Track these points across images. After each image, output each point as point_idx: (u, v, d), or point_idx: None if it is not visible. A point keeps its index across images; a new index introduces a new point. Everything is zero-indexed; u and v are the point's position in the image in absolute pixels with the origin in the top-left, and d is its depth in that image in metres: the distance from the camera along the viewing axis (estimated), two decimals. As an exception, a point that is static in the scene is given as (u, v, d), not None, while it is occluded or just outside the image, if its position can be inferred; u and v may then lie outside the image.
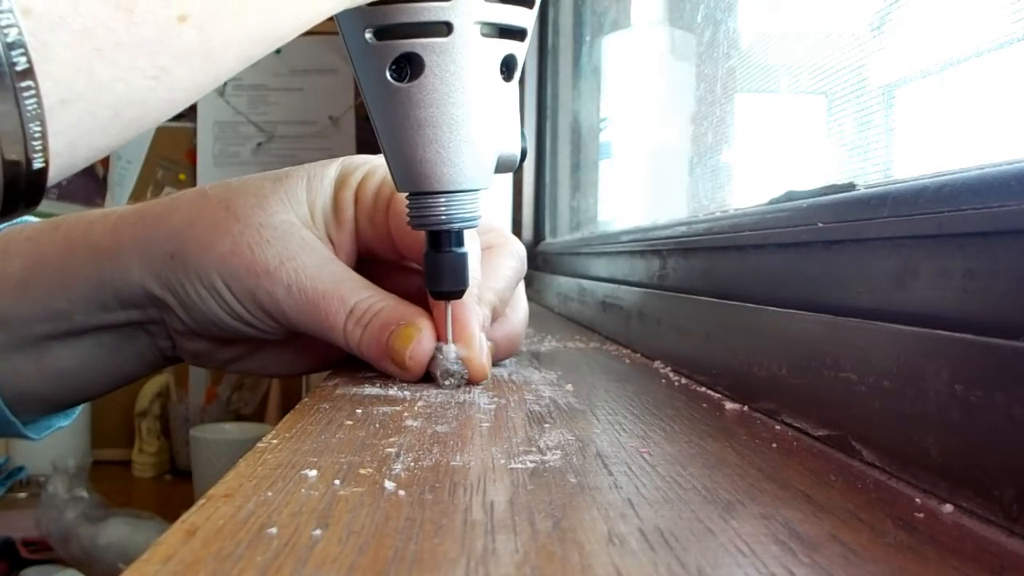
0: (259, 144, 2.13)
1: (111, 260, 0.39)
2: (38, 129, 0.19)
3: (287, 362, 0.44)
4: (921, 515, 0.20)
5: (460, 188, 0.34)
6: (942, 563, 0.17)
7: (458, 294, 0.36)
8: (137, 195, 2.05)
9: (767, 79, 0.59)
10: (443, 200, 0.34)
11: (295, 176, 0.40)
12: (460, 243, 0.35)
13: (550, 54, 1.46)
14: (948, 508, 0.21)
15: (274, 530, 0.18)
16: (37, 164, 0.19)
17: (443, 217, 0.34)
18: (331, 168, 0.41)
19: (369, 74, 0.32)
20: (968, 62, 0.34)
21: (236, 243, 0.37)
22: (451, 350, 0.37)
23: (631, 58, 0.87)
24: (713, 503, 0.21)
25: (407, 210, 0.35)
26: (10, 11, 0.17)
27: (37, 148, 0.19)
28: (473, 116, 0.32)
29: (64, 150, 0.20)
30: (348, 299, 0.37)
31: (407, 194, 0.35)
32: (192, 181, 2.09)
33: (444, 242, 0.35)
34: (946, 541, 0.18)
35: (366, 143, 2.12)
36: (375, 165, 0.41)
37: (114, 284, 0.39)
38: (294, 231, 0.38)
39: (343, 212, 0.40)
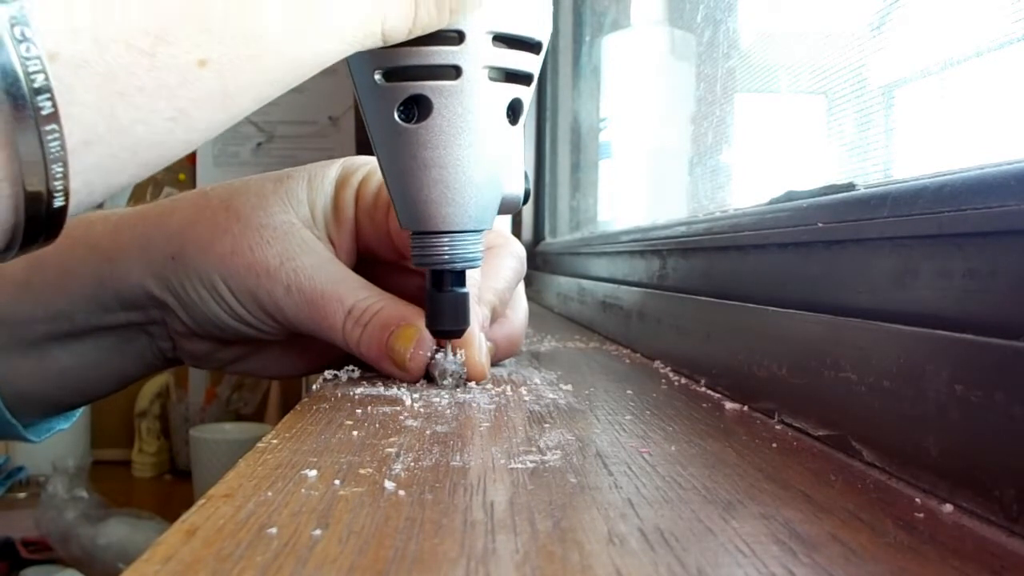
0: (259, 144, 2.13)
1: (111, 261, 0.39)
2: (60, 170, 0.19)
3: (288, 363, 0.44)
4: (921, 515, 0.20)
5: (464, 229, 0.34)
6: (942, 563, 0.17)
7: (458, 333, 0.36)
8: (137, 196, 2.05)
9: (767, 79, 0.59)
10: (446, 240, 0.34)
11: (296, 176, 0.40)
12: (462, 283, 0.35)
13: (550, 54, 1.46)
14: (948, 508, 0.21)
15: (274, 530, 0.18)
16: (58, 203, 0.20)
17: (446, 256, 0.34)
18: (332, 168, 0.41)
19: (377, 114, 0.32)
20: (968, 62, 0.34)
21: (236, 243, 0.37)
22: (450, 350, 0.37)
23: (631, 58, 0.87)
24: (713, 503, 0.21)
25: (410, 248, 0.35)
26: (38, 58, 0.18)
27: (59, 188, 0.19)
28: (479, 158, 0.32)
29: (82, 188, 0.20)
30: (346, 299, 0.37)
31: (411, 233, 0.35)
32: (192, 181, 2.09)
33: (446, 281, 0.35)
34: (946, 541, 0.18)
35: (366, 143, 2.10)
36: (376, 165, 0.41)
37: (115, 285, 0.39)
38: (294, 231, 0.38)
39: (344, 212, 0.40)
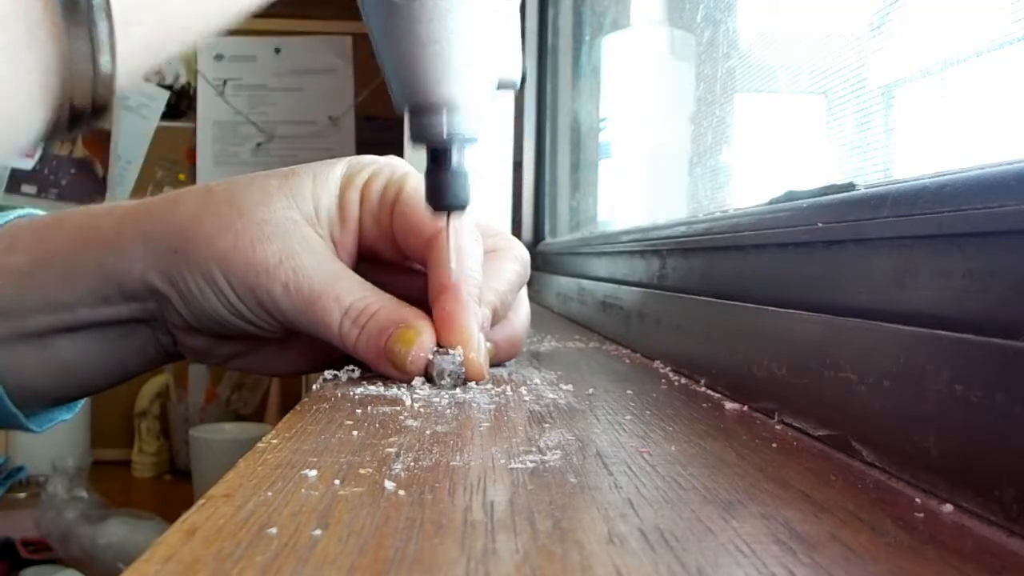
0: (259, 144, 2.13)
1: (115, 254, 0.39)
2: (105, 26, 0.19)
3: (288, 360, 0.44)
4: (921, 515, 0.20)
5: (460, 101, 0.34)
6: (942, 563, 0.17)
7: (460, 208, 0.36)
8: (137, 195, 2.06)
9: (767, 79, 0.59)
10: (444, 113, 0.34)
11: (301, 173, 0.40)
12: (461, 159, 0.35)
13: (550, 54, 1.46)
14: (948, 508, 0.21)
15: (274, 530, 0.18)
16: (104, 65, 0.19)
17: (443, 130, 0.34)
18: (337, 167, 0.41)
19: None
20: (968, 62, 0.34)
21: (238, 239, 0.37)
22: (449, 349, 0.37)
23: (631, 58, 0.87)
24: (713, 503, 0.21)
25: (407, 126, 0.35)
26: None
27: (104, 43, 0.19)
28: (474, 32, 0.33)
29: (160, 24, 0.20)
30: (343, 299, 0.37)
31: (407, 108, 0.35)
32: (192, 181, 2.09)
33: (445, 159, 0.35)
34: (946, 541, 0.18)
35: (366, 143, 2.12)
36: (381, 165, 0.42)
37: (117, 277, 0.39)
38: (295, 228, 0.38)
39: (347, 211, 0.40)
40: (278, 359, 0.44)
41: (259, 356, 0.44)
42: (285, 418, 0.30)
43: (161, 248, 0.39)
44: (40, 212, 0.44)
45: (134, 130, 2.12)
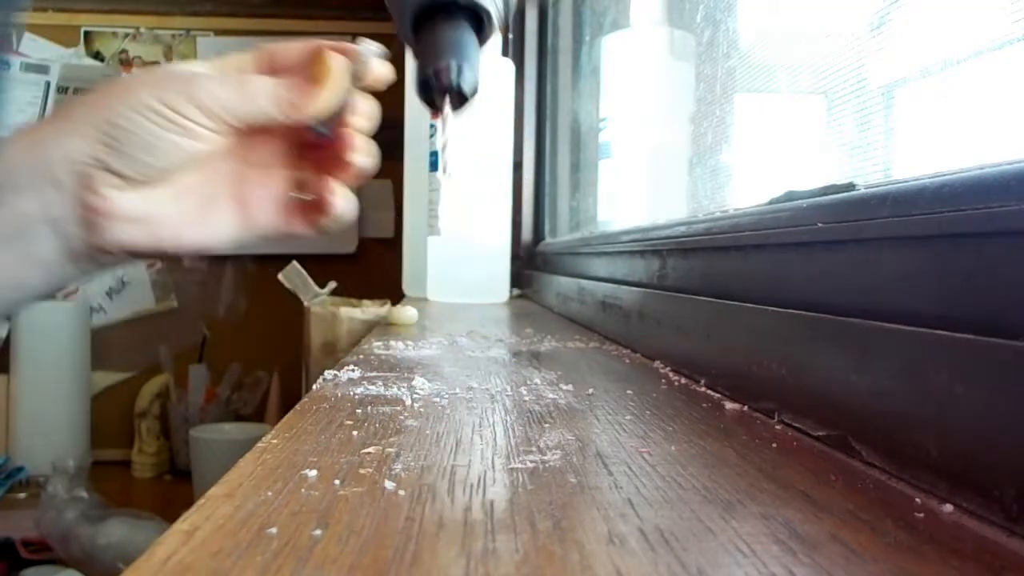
0: (259, 144, 2.13)
1: (25, 151, 0.40)
2: None
3: (216, 225, 0.43)
4: (921, 515, 0.20)
5: None
6: (942, 563, 0.17)
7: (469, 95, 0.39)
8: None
9: (767, 79, 0.59)
10: None
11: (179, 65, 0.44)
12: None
13: (550, 54, 1.46)
14: (948, 508, 0.21)
15: (274, 530, 0.18)
16: None
17: None
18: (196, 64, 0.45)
19: None
20: (968, 62, 0.34)
21: (154, 73, 0.41)
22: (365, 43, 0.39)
23: (631, 58, 0.87)
24: (713, 503, 0.21)
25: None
26: None
27: None
28: None
29: None
30: (268, 77, 0.41)
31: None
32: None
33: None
34: (946, 541, 0.18)
35: (366, 143, 2.12)
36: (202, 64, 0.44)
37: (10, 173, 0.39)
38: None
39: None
40: (206, 225, 0.43)
41: (191, 220, 0.42)
42: (285, 418, 0.31)
43: (89, 118, 0.40)
44: None
45: (134, 130, 2.12)
